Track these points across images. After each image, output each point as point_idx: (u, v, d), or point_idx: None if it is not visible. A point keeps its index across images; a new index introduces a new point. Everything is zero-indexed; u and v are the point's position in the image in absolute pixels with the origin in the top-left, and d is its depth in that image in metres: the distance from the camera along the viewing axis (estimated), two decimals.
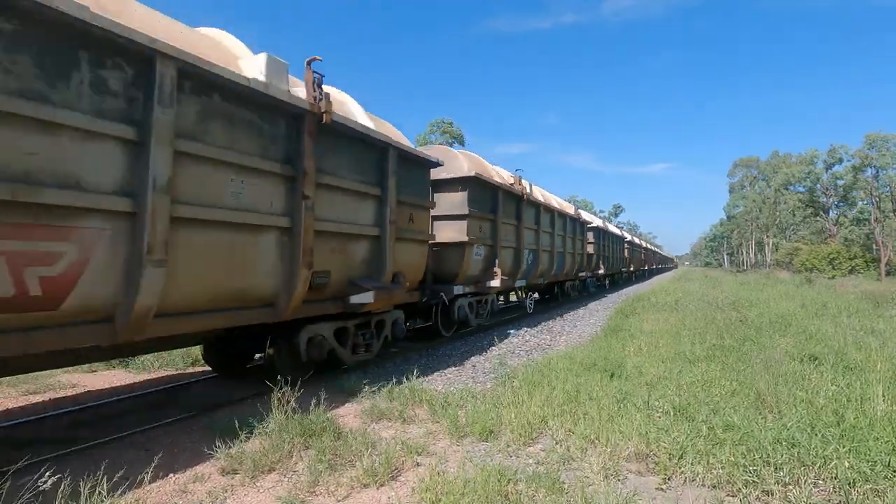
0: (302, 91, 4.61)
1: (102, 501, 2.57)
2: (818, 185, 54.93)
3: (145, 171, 3.25)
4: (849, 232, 52.26)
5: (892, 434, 3.37)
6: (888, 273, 39.13)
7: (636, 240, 37.52)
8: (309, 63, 4.72)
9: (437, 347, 8.03)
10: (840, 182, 52.23)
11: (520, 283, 10.92)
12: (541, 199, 12.02)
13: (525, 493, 2.90)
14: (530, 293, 13.81)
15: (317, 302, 5.04)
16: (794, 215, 57.96)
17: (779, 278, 32.08)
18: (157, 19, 3.76)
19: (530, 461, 3.45)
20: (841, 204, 54.64)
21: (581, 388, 4.76)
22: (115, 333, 3.31)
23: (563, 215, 14.00)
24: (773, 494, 2.85)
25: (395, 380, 5.23)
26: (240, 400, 4.92)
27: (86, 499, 2.54)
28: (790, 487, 2.88)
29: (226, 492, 3.04)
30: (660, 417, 4.01)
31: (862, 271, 39.82)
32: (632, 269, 31.81)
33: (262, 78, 4.16)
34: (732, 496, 2.92)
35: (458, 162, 8.41)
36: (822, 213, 55.98)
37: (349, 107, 5.60)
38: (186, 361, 6.69)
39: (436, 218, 7.91)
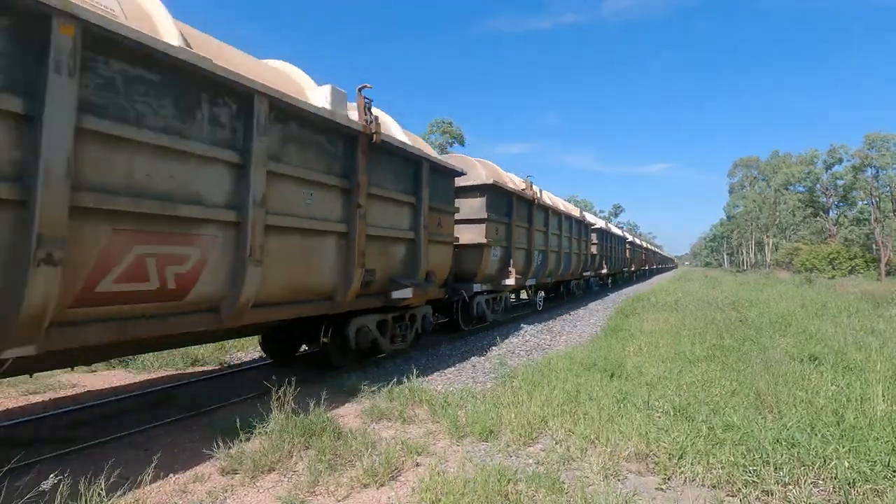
0: (355, 114, 5.33)
1: (102, 501, 2.57)
2: (818, 185, 54.96)
3: (247, 189, 3.97)
4: (849, 232, 52.29)
5: (892, 434, 3.37)
6: (888, 273, 39.15)
7: (637, 240, 37.80)
8: (360, 90, 5.44)
9: (437, 347, 8.04)
10: (840, 182, 52.27)
11: (530, 281, 11.51)
12: (549, 202, 12.64)
13: (525, 493, 2.90)
14: (539, 291, 14.33)
15: (365, 296, 5.74)
16: (794, 215, 57.99)
17: (779, 278, 32.10)
18: (238, 56, 4.55)
19: (530, 461, 3.45)
20: (841, 204, 54.68)
21: (581, 388, 4.76)
22: (221, 320, 4.02)
23: (569, 218, 14.54)
24: (772, 494, 2.85)
25: (395, 380, 5.23)
26: (240, 400, 4.92)
27: (85, 499, 2.54)
28: (790, 487, 2.88)
29: (226, 492, 3.04)
30: (660, 417, 4.02)
31: (862, 271, 39.84)
32: (633, 268, 32.35)
33: (328, 106, 4.93)
34: (732, 496, 2.92)
35: (476, 170, 9.14)
36: (822, 213, 56.00)
37: (389, 125, 6.28)
38: (186, 361, 6.69)
39: (457, 222, 8.30)
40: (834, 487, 2.90)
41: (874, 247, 43.93)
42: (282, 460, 3.39)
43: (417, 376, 5.45)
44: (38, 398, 5.11)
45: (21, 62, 2.71)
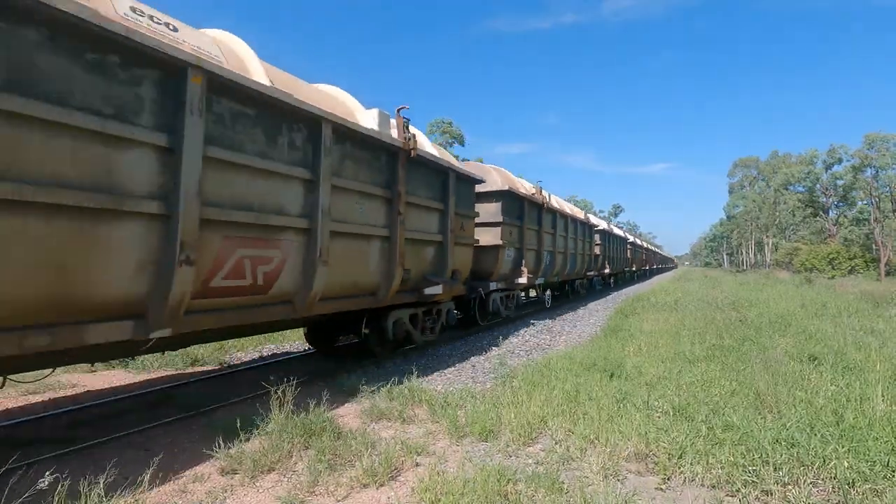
0: (395, 132, 5.97)
1: (102, 501, 2.57)
2: (818, 185, 54.97)
3: (316, 200, 4.67)
4: (848, 232, 52.28)
5: (892, 434, 3.37)
6: (888, 273, 39.14)
7: (638, 241, 38.22)
8: (399, 111, 6.09)
9: (437, 347, 8.04)
10: (840, 182, 52.27)
11: (539, 280, 12.21)
12: (557, 206, 13.36)
13: (524, 493, 2.90)
14: (547, 290, 15.01)
15: (402, 292, 6.36)
16: (793, 215, 57.99)
17: (778, 278, 32.10)
18: (302, 85, 5.27)
19: (530, 461, 3.45)
20: (841, 204, 54.68)
21: (581, 388, 4.76)
22: (295, 311, 4.72)
23: (574, 220, 15.21)
24: (772, 494, 2.85)
25: (394, 380, 5.23)
26: (240, 400, 4.92)
27: (85, 499, 2.54)
28: (789, 487, 2.88)
29: (225, 492, 3.04)
30: (659, 417, 4.02)
31: (861, 271, 39.84)
32: (634, 268, 32.95)
33: (375, 127, 5.64)
34: (732, 496, 2.92)
35: (492, 176, 9.91)
36: (821, 213, 56.01)
37: (421, 140, 6.77)
38: (186, 361, 6.69)
39: (475, 225, 8.84)
40: (833, 487, 2.90)
41: (874, 247, 43.92)
42: (281, 460, 3.39)
43: (417, 376, 5.45)
44: (37, 398, 5.10)
45: (164, 106, 3.38)
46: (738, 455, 3.21)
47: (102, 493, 2.59)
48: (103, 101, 3.04)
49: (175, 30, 3.74)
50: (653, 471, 3.27)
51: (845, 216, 54.43)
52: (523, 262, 10.70)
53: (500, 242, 9.53)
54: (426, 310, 7.41)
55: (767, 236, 63.54)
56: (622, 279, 29.61)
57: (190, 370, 6.53)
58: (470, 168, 9.09)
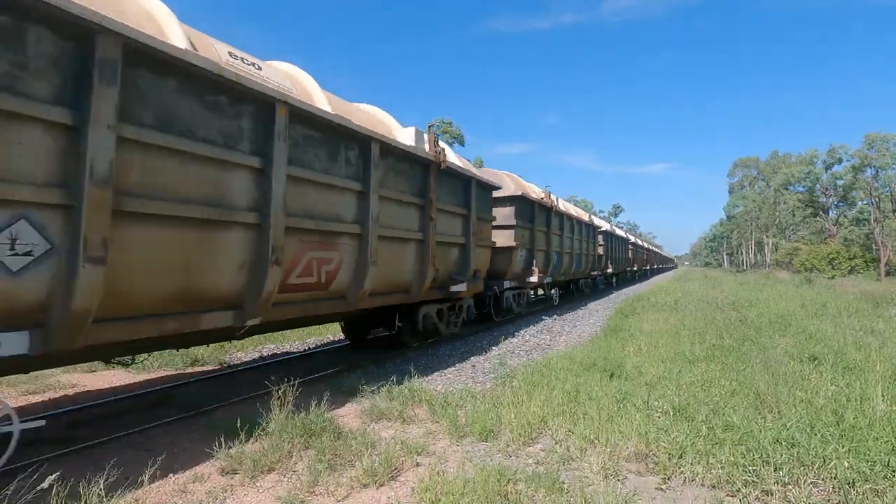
0: (427, 146, 6.65)
1: (102, 501, 2.57)
2: (818, 185, 54.96)
3: (367, 209, 5.36)
4: (848, 232, 52.28)
5: (892, 434, 3.37)
6: (888, 273, 39.13)
7: (639, 241, 38.70)
8: (430, 127, 6.87)
9: (437, 347, 8.04)
10: (840, 182, 52.26)
11: (548, 279, 12.98)
12: (563, 209, 14.11)
13: (525, 493, 2.90)
14: (555, 288, 15.65)
15: (432, 290, 7.04)
16: (793, 215, 58.00)
17: (778, 278, 32.10)
18: (349, 107, 5.90)
19: (530, 461, 3.45)
20: (841, 204, 54.67)
21: (581, 388, 4.76)
22: (347, 305, 5.41)
23: (579, 222, 16.04)
24: (772, 494, 2.85)
25: (394, 380, 5.23)
26: (240, 399, 4.92)
27: (85, 499, 2.54)
28: (789, 487, 2.88)
29: (225, 492, 3.04)
30: (659, 417, 4.01)
31: (861, 271, 39.83)
32: (635, 268, 33.63)
33: (413, 143, 6.32)
34: (732, 496, 2.92)
35: (506, 183, 10.66)
36: (821, 213, 56.01)
37: (448, 152, 7.39)
38: (186, 361, 6.69)
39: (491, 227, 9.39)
40: (833, 487, 2.89)
41: (874, 247, 43.91)
42: (282, 460, 3.39)
43: (417, 376, 5.46)
44: (37, 398, 5.11)
45: (258, 134, 4.08)
46: (738, 455, 3.21)
47: (103, 493, 2.59)
48: (216, 133, 3.76)
49: (259, 68, 4.46)
50: (653, 471, 3.27)
51: (845, 216, 54.43)
52: (534, 262, 11.39)
53: (514, 244, 10.18)
54: (450, 305, 8.19)
55: (767, 236, 63.55)
56: (623, 279, 30.11)
57: (190, 370, 6.53)
58: (486, 175, 9.68)
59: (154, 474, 3.05)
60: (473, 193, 7.93)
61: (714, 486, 3.02)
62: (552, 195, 13.01)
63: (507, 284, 10.38)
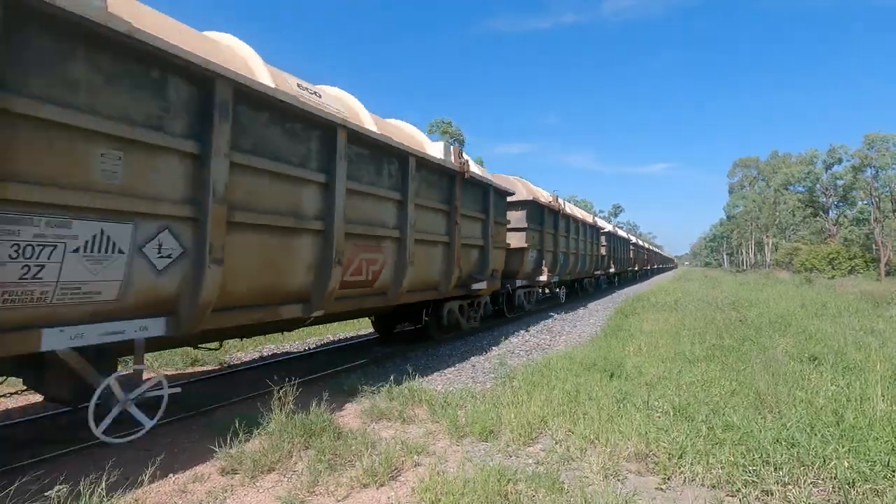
0: (452, 157, 7.35)
1: (102, 501, 2.57)
2: (818, 185, 54.96)
3: (405, 216, 6.08)
4: (848, 232, 52.26)
5: (892, 434, 3.37)
6: (888, 273, 39.13)
7: (640, 242, 39.01)
8: (455, 142, 7.46)
9: (437, 347, 8.04)
10: (840, 182, 52.25)
11: (555, 279, 13.75)
12: (569, 212, 14.94)
13: (525, 493, 2.90)
14: (561, 287, 16.67)
15: (456, 287, 7.74)
16: (793, 215, 57.99)
17: (778, 278, 32.10)
18: (382, 122, 6.45)
19: (530, 461, 3.45)
20: (841, 204, 54.67)
21: (581, 388, 4.76)
22: (387, 300, 6.10)
23: (584, 224, 16.95)
24: (772, 494, 2.85)
25: (394, 380, 5.23)
26: (240, 399, 4.92)
27: (85, 499, 2.54)
28: (790, 487, 2.88)
29: (225, 492, 3.04)
30: (659, 417, 4.01)
31: (861, 271, 39.83)
32: (636, 268, 34.46)
33: (442, 156, 7.10)
34: (732, 496, 2.92)
35: (518, 188, 11.32)
36: (821, 213, 56.00)
37: (470, 163, 8.00)
38: (186, 361, 6.69)
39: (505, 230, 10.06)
40: (833, 487, 2.89)
41: (874, 247, 43.90)
42: (282, 460, 3.39)
43: (417, 376, 5.46)
44: (37, 398, 5.10)
45: (322, 154, 4.83)
46: (738, 455, 3.21)
47: (103, 493, 2.59)
48: (293, 155, 4.50)
49: (319, 96, 5.17)
50: (653, 471, 3.27)
51: (845, 216, 54.42)
52: (543, 262, 12.21)
53: (525, 245, 10.92)
54: (470, 302, 9.03)
55: (767, 236, 63.54)
56: (624, 278, 30.68)
57: (190, 370, 6.53)
58: (499, 181, 10.31)
59: (154, 474, 3.05)
60: (491, 199, 8.60)
61: (714, 486, 3.02)
62: (559, 199, 13.76)
63: (519, 283, 11.07)
